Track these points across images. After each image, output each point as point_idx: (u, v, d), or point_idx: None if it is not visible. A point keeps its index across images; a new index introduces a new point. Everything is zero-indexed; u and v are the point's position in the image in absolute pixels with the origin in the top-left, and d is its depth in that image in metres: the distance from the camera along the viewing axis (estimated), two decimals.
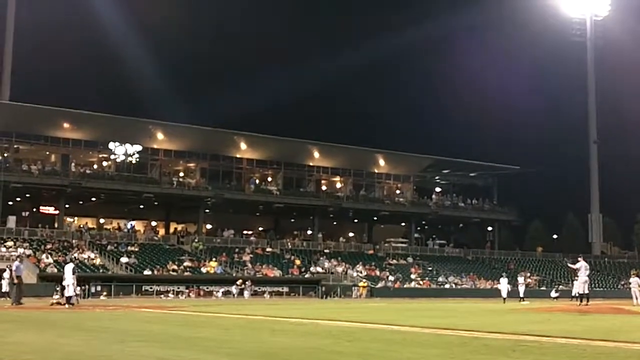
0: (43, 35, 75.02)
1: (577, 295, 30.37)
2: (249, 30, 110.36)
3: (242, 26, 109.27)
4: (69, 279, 29.37)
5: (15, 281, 30.54)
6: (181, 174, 66.13)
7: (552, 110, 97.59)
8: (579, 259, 32.63)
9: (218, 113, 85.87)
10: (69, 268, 30.25)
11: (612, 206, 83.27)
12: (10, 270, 39.32)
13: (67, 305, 27.87)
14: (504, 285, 46.20)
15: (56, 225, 58.77)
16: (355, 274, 60.43)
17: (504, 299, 44.02)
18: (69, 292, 29.27)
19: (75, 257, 49.52)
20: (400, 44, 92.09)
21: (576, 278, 32.08)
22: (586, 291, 30.40)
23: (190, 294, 49.07)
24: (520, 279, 48.90)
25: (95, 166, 62.65)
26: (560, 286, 59.68)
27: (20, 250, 49.19)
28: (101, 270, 50.01)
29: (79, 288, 29.74)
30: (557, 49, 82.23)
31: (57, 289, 29.47)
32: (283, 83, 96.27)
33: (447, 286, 62.68)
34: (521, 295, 45.12)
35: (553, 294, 49.69)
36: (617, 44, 79.33)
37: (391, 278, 61.30)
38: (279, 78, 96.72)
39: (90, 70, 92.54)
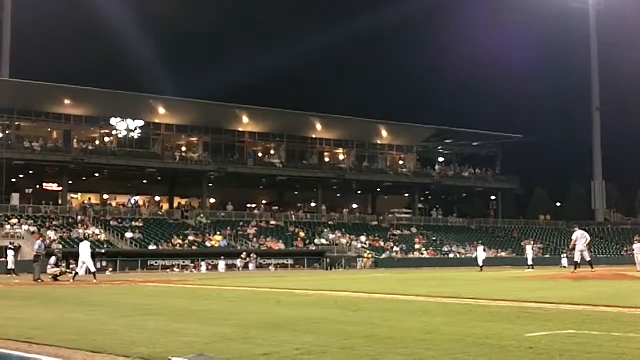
0: (40, 11, 74.29)
1: (576, 263, 30.58)
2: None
3: None
4: (85, 256, 29.71)
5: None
6: (184, 149, 66.12)
7: (555, 78, 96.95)
8: (575, 228, 33.21)
9: (218, 86, 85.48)
10: (85, 246, 30.59)
11: (615, 172, 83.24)
12: (14, 248, 40.30)
13: (95, 280, 28.35)
14: (480, 253, 46.56)
15: (60, 201, 58.93)
16: (359, 245, 60.60)
17: (481, 267, 44.01)
18: (91, 267, 30.18)
19: (82, 233, 49.73)
20: (401, 14, 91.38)
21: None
22: (577, 260, 30.43)
23: (195, 268, 49.22)
24: (529, 248, 50.45)
25: (97, 142, 62.58)
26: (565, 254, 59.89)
27: (25, 227, 49.43)
28: (106, 246, 50.20)
29: (90, 264, 30.03)
30: (558, 15, 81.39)
31: (52, 262, 30.09)
32: (283, 54, 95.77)
33: (451, 256, 62.89)
34: (529, 263, 46.34)
35: (564, 261, 49.82)
36: (619, 10, 78.47)
37: (395, 249, 61.48)
38: (279, 50, 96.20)
39: (85, 46, 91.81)
